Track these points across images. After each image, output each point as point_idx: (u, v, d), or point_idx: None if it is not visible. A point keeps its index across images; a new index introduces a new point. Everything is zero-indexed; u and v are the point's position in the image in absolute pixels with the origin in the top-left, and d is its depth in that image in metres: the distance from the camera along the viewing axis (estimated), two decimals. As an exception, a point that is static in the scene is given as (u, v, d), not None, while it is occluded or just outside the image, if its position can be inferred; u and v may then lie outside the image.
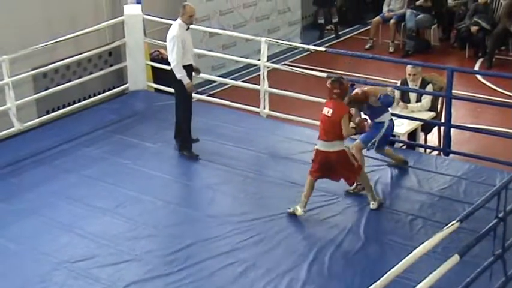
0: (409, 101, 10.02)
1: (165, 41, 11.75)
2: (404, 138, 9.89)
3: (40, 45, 10.49)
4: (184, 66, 9.33)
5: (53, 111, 11.12)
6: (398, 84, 10.15)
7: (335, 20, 15.87)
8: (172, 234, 7.92)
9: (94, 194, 8.71)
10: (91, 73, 11.72)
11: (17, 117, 10.18)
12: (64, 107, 11.19)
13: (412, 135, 9.93)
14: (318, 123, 10.12)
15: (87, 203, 8.58)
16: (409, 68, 9.98)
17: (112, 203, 8.55)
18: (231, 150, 9.76)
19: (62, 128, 10.36)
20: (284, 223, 8.03)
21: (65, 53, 11.11)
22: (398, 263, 5.63)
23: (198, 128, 10.37)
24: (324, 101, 10.11)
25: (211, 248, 7.64)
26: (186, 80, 9.30)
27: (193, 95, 12.04)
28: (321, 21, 15.91)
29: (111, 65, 12.06)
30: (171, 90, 11.79)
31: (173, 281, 7.15)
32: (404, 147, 10.01)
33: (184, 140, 9.53)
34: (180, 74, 9.27)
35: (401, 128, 9.71)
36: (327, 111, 7.95)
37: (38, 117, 10.85)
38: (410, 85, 9.98)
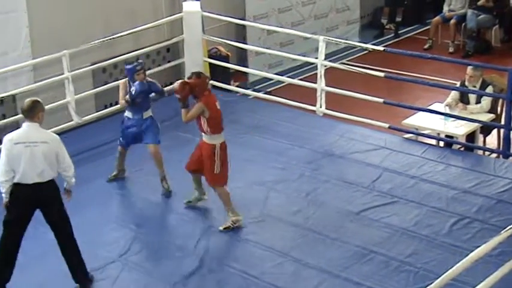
0: (468, 102, 9.89)
1: (224, 38, 11.83)
2: (463, 140, 9.76)
3: (100, 40, 10.62)
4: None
5: (111, 105, 11.24)
6: (458, 85, 10.04)
7: (398, 19, 15.75)
8: (226, 231, 7.92)
9: (149, 188, 8.77)
10: (149, 69, 11.78)
11: (75, 110, 10.31)
12: (122, 102, 11.29)
13: (471, 137, 9.79)
14: (375, 122, 10.14)
15: (143, 197, 8.67)
16: (468, 69, 9.85)
17: (167, 198, 8.61)
18: (286, 148, 9.75)
19: (119, 123, 10.44)
20: (338, 222, 7.99)
21: (124, 48, 11.22)
22: (453, 266, 5.56)
23: (255, 125, 10.41)
24: (380, 100, 10.13)
25: (263, 246, 7.64)
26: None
27: (250, 92, 12.15)
28: (384, 20, 15.80)
29: (169, 61, 12.15)
30: (228, 87, 11.89)
31: (223, 277, 7.17)
32: (463, 149, 9.88)
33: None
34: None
35: (460, 129, 9.58)
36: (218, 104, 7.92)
37: (96, 112, 10.99)
38: (469, 86, 9.85)
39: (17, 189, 6.78)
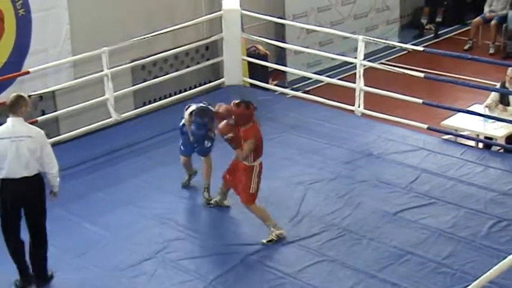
0: (508, 104, 9.79)
1: (263, 37, 11.81)
2: (502, 142, 9.66)
3: (139, 37, 10.68)
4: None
5: (150, 103, 11.31)
6: (498, 87, 9.94)
7: (438, 19, 15.64)
8: (263, 230, 7.91)
9: (189, 187, 8.79)
10: (188, 66, 11.87)
11: (114, 107, 10.38)
12: (160, 99, 11.36)
13: (511, 138, 9.69)
14: (413, 123, 10.08)
15: (180, 195, 8.69)
16: (509, 70, 9.75)
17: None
18: (324, 147, 9.73)
19: (157, 120, 10.52)
20: (375, 223, 7.96)
21: (163, 46, 11.28)
22: (491, 269, 5.51)
23: (293, 124, 10.40)
24: (419, 100, 10.07)
25: (300, 245, 7.63)
26: None
27: (288, 90, 12.15)
28: (424, 20, 15.71)
29: (207, 59, 12.18)
30: (266, 85, 11.89)
31: (259, 276, 7.17)
32: (502, 150, 9.78)
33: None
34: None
35: (499, 131, 9.49)
36: None
37: (135, 109, 11.06)
38: (509, 88, 9.75)
39: (5, 185, 6.75)
